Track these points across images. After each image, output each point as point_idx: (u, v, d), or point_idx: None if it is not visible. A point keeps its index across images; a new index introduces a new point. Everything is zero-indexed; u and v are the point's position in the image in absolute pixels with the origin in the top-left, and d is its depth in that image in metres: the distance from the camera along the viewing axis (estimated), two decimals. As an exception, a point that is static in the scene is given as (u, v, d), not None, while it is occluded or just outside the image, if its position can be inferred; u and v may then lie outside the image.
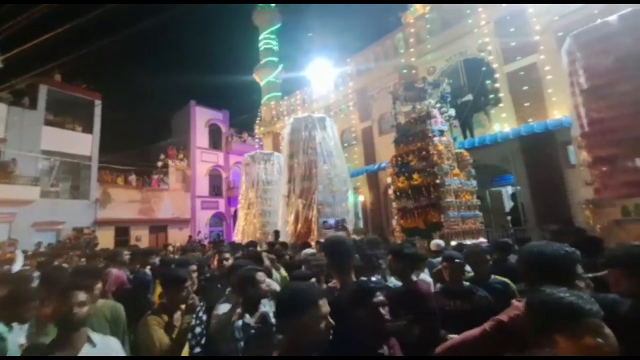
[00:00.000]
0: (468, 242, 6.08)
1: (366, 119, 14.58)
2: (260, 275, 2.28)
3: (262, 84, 21.32)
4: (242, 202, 13.57)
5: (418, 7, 14.01)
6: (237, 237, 12.85)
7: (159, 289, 3.20)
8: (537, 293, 1.11)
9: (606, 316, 1.01)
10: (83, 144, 17.25)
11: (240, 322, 2.09)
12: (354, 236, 8.30)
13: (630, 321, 1.32)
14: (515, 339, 1.29)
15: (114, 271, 3.57)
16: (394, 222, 8.01)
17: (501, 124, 10.14)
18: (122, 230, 18.11)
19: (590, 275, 1.89)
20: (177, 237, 18.42)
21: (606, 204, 5.32)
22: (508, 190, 12.09)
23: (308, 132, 9.60)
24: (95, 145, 17.65)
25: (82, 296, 1.69)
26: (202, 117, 23.82)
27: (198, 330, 2.45)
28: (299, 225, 8.86)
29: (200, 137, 23.48)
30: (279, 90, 21.01)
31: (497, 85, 10.40)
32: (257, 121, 20.60)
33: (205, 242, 16.67)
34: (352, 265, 2.20)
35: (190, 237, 18.74)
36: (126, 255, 5.01)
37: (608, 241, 3.73)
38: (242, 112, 26.48)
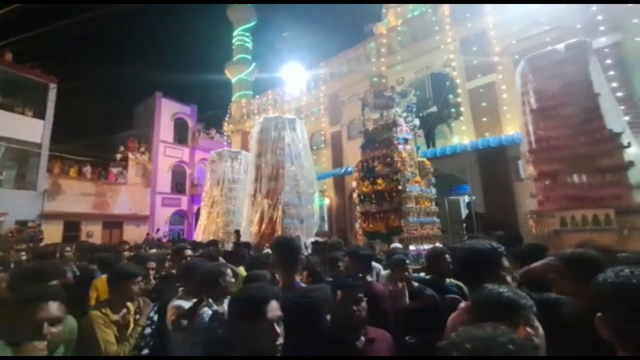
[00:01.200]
0: (426, 246, 6.37)
1: (336, 123, 14.79)
2: (229, 273, 2.29)
3: (233, 80, 20.94)
4: (205, 200, 13.20)
5: (391, 19, 14.49)
6: (199, 236, 12.46)
7: (99, 284, 3.03)
8: (481, 290, 1.24)
9: (549, 314, 1.14)
10: (33, 129, 15.89)
11: (209, 311, 2.07)
12: (319, 238, 8.40)
13: (571, 320, 1.44)
14: None
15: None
16: (357, 226, 8.18)
17: (461, 136, 10.74)
18: (72, 225, 16.87)
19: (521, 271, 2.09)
20: (133, 235, 17.47)
21: (547, 215, 5.82)
22: (465, 199, 12.80)
23: (278, 133, 9.57)
24: (46, 131, 16.31)
25: (55, 309, 1.44)
26: (167, 110, 22.90)
27: (148, 330, 2.37)
28: (264, 226, 8.78)
29: (165, 130, 22.54)
30: (251, 89, 20.75)
31: (459, 99, 11.01)
32: (226, 118, 20.17)
33: (165, 240, 15.99)
34: (298, 266, 2.28)
35: (148, 234, 17.91)
36: (68, 251, 4.74)
37: (550, 249, 4.07)
38: (211, 108, 25.80)
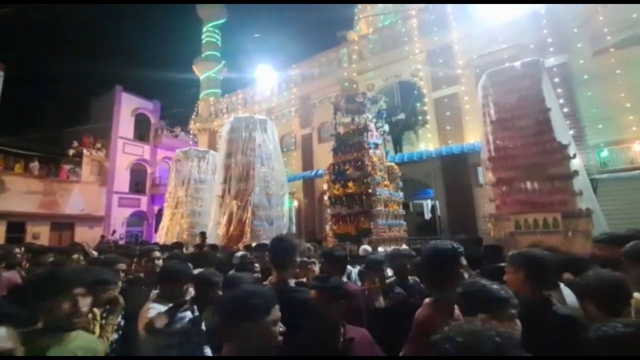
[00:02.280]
0: (391, 248, 6.59)
1: (307, 126, 14.86)
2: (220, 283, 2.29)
3: (201, 78, 20.31)
4: (169, 201, 12.63)
5: (362, 27, 14.88)
6: (161, 238, 11.90)
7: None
8: (470, 284, 1.35)
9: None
10: (-30, 119, 14.35)
11: (190, 315, 2.02)
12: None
13: (524, 318, 1.60)
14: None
15: (5, 274, 3.21)
16: (327, 227, 8.27)
17: (426, 143, 11.25)
18: (16, 226, 15.35)
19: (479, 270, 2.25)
20: (86, 237, 16.24)
21: (503, 218, 6.28)
22: (429, 203, 13.39)
23: (248, 133, 9.43)
24: (-13, 122, 14.80)
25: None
26: (128, 105, 21.66)
27: (115, 336, 2.25)
28: (232, 228, 8.60)
29: (125, 126, 21.29)
30: (219, 87, 20.24)
31: (425, 108, 11.55)
32: (193, 116, 19.50)
33: (121, 243, 15.07)
34: (293, 265, 2.30)
35: (103, 236, 16.75)
36: (18, 254, 4.35)
37: (504, 250, 4.41)
38: (176, 105, 24.73)
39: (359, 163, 7.81)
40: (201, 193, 12.10)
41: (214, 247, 7.00)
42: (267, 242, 7.67)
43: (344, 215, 7.75)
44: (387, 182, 8.03)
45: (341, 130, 8.74)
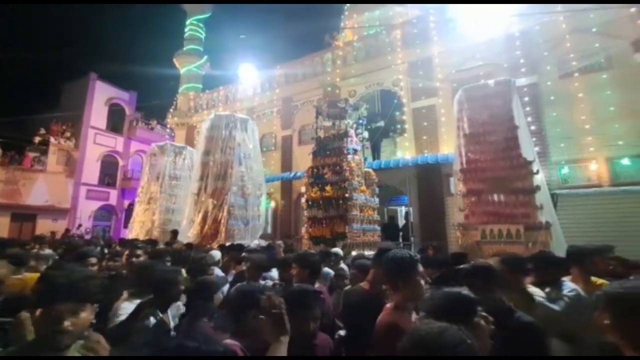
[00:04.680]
0: (366, 252, 6.75)
1: (288, 127, 14.87)
2: (181, 277, 2.28)
3: (182, 71, 19.82)
4: (141, 196, 12.26)
5: (348, 34, 15.11)
6: (131, 234, 11.53)
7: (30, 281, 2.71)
8: (442, 293, 1.41)
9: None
10: None
11: (153, 320, 2.01)
12: (262, 242, 8.36)
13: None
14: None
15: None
16: (303, 230, 8.33)
17: (403, 151, 11.58)
18: (-30, 215, 14.39)
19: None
20: (49, 229, 15.44)
21: (471, 228, 6.60)
22: (403, 209, 13.75)
23: (229, 131, 9.35)
24: (-58, 102, 13.77)
25: None
26: (102, 94, 20.85)
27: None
28: (207, 226, 8.48)
29: (97, 116, 20.49)
30: (201, 82, 19.84)
31: (404, 117, 11.89)
32: (171, 110, 19.00)
33: (87, 237, 14.44)
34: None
35: (67, 230, 16.01)
36: None
37: (471, 257, 4.65)
38: (154, 97, 24.04)
39: (338, 167, 7.94)
40: (176, 190, 11.84)
41: (189, 246, 6.89)
42: (242, 242, 7.67)
43: (320, 219, 7.84)
44: (363, 188, 8.20)
45: (322, 134, 8.85)
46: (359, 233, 7.61)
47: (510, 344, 1.48)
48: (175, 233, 8.55)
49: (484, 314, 1.36)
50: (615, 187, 8.25)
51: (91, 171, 19.91)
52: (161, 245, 7.76)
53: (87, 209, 19.40)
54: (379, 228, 8.38)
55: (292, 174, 13.24)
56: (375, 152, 11.91)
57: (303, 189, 8.45)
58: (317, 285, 3.44)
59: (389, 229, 11.00)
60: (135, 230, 11.62)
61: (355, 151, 8.40)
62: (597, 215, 7.95)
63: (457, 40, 10.86)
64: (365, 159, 9.14)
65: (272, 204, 14.34)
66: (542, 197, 6.31)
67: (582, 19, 9.01)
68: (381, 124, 12.02)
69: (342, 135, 8.35)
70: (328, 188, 7.85)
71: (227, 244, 6.71)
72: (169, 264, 3.61)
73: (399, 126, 12.07)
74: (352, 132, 8.53)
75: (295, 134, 14.76)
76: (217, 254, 4.64)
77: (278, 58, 16.39)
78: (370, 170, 8.98)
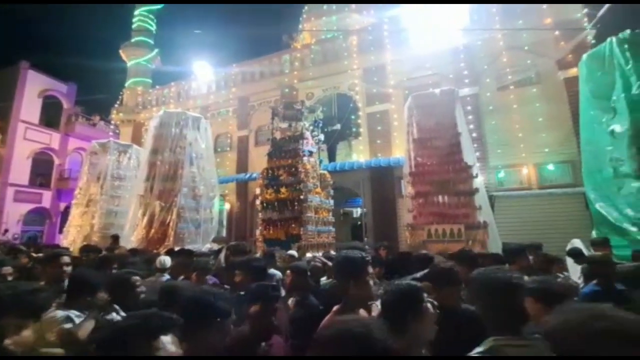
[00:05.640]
0: (320, 253, 6.82)
1: (244, 128, 14.57)
2: (136, 280, 2.27)
3: (129, 64, 18.56)
4: (79, 198, 11.21)
5: (306, 36, 15.22)
6: (66, 240, 10.51)
7: None
8: (393, 286, 1.50)
9: None
10: None
11: (115, 315, 1.96)
12: (215, 245, 8.09)
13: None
14: None
15: None
16: (257, 232, 8.20)
17: (358, 154, 11.92)
18: None
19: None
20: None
21: (418, 228, 6.96)
22: (358, 211, 14.13)
23: (180, 130, 8.93)
24: None
25: None
26: (35, 85, 18.82)
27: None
28: (153, 230, 8.00)
29: (29, 108, 18.44)
30: (150, 77, 18.72)
31: (359, 121, 12.24)
32: (116, 105, 17.69)
33: (16, 244, 12.89)
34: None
35: (-11, 235, 14.18)
36: None
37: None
38: (97, 91, 22.22)
39: (293, 169, 7.94)
40: (119, 191, 11.02)
41: (133, 251, 6.43)
42: (193, 246, 7.35)
43: (274, 221, 7.77)
44: (318, 190, 8.28)
45: (278, 135, 8.80)
46: (314, 235, 7.66)
47: (457, 330, 1.64)
48: (115, 238, 7.92)
49: (430, 300, 1.47)
50: (542, 189, 9.22)
51: (20, 170, 17.85)
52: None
53: (15, 212, 17.34)
54: (333, 229, 8.51)
55: (248, 175, 12.99)
56: (332, 154, 12.11)
57: (258, 191, 8.32)
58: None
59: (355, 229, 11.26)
60: (71, 236, 10.61)
61: (310, 153, 8.45)
62: (528, 215, 8.82)
63: (408, 49, 11.43)
64: (320, 161, 9.24)
65: (228, 206, 13.94)
66: (481, 199, 6.84)
67: (517, 37, 9.98)
68: (337, 127, 12.25)
69: (298, 137, 8.36)
70: (283, 190, 7.81)
71: (177, 248, 6.38)
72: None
73: (354, 130, 12.39)
74: (308, 134, 8.58)
75: (252, 134, 14.51)
76: (167, 260, 4.39)
77: (235, 56, 16.09)
78: (326, 172, 9.09)
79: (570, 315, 0.84)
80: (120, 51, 18.66)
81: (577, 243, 4.86)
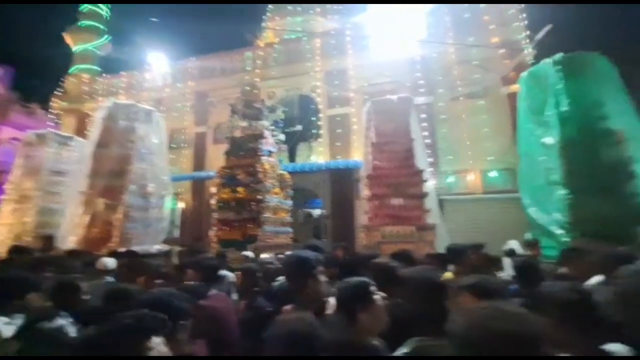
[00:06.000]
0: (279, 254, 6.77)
1: (202, 124, 14.07)
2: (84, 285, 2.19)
3: (75, 49, 17.03)
4: (11, 193, 10.06)
5: (270, 36, 15.06)
6: (-7, 240, 9.39)
7: None
8: (343, 282, 1.57)
9: None
10: None
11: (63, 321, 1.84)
12: (165, 247, 7.69)
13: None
14: None
15: None
16: (212, 233, 7.96)
17: (318, 156, 12.04)
18: None
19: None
20: None
21: (373, 229, 7.18)
22: (317, 211, 14.24)
23: (129, 123, 8.38)
24: None
25: None
26: (-41, 65, 16.59)
27: None
28: (95, 230, 7.42)
29: (-51, 91, 16.21)
30: (98, 65, 17.33)
31: (320, 123, 12.37)
32: (57, 93, 16.15)
33: None
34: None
35: None
36: None
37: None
38: (37, 77, 20.14)
39: (251, 169, 7.82)
40: (59, 187, 10.06)
41: (72, 253, 5.90)
42: (141, 247, 6.95)
43: (231, 221, 7.60)
44: (277, 190, 8.24)
45: (237, 133, 8.61)
46: (272, 235, 7.60)
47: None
48: (49, 238, 7.22)
49: (380, 293, 1.54)
50: (486, 194, 9.98)
51: (-64, 160, 15.60)
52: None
53: None
54: (291, 230, 8.50)
55: (205, 174, 12.55)
56: (292, 155, 12.10)
57: (214, 190, 8.08)
58: (214, 291, 3.29)
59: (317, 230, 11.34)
60: (0, 235, 9.50)
61: (270, 153, 8.38)
62: (473, 218, 9.49)
63: (369, 56, 11.77)
64: (280, 161, 9.19)
65: (181, 205, 13.34)
66: (431, 202, 7.25)
67: (468, 53, 10.70)
68: (299, 128, 12.29)
69: (257, 136, 8.26)
70: (240, 189, 7.67)
71: (123, 249, 5.98)
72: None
73: (315, 131, 12.49)
74: (268, 133, 8.50)
75: (210, 131, 14.04)
76: (110, 262, 4.08)
77: (194, 50, 15.39)
78: (285, 172, 9.06)
79: (472, 315, 0.85)
80: (65, 35, 17.07)
81: (513, 244, 5.33)
